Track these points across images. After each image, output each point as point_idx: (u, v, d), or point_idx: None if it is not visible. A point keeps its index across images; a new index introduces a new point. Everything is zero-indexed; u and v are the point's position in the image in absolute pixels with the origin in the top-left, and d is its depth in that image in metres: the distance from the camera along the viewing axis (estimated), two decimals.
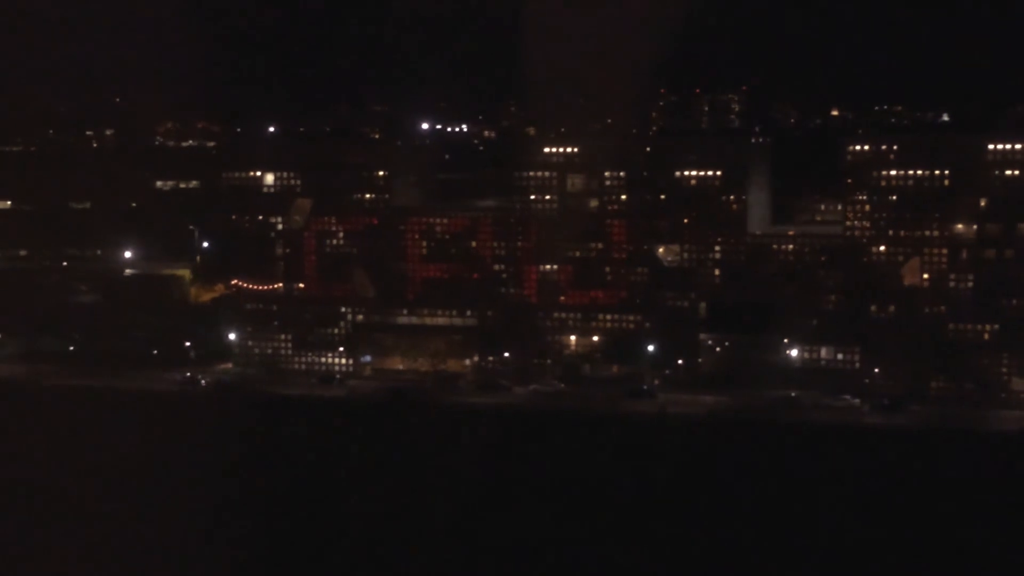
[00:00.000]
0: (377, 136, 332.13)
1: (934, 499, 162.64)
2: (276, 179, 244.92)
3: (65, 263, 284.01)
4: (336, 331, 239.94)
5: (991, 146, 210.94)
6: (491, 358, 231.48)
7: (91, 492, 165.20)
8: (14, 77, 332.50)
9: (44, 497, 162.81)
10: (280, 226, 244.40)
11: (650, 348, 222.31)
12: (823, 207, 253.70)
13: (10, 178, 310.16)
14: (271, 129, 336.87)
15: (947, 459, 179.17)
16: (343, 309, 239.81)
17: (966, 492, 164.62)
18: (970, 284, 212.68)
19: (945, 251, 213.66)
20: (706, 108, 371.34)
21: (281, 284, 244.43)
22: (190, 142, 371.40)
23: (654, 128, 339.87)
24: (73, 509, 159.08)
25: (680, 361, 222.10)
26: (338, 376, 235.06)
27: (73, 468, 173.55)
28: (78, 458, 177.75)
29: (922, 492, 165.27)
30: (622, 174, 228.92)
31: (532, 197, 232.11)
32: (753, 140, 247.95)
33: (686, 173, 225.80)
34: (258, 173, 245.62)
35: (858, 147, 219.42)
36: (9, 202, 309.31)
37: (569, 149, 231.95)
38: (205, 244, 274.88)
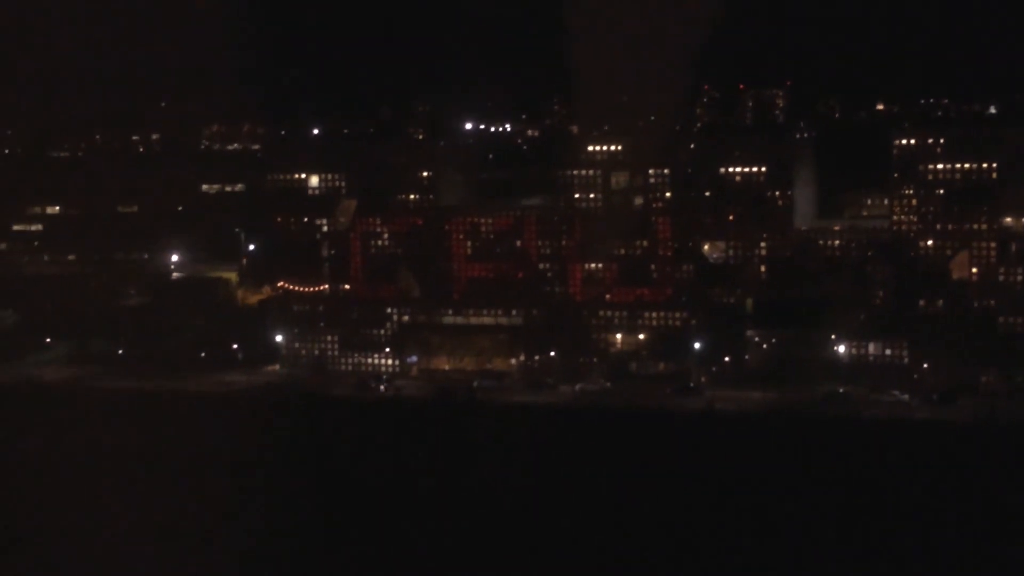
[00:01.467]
0: (421, 136, 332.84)
1: (987, 493, 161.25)
2: (321, 181, 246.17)
3: (113, 266, 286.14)
4: (382, 331, 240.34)
5: None
6: (537, 357, 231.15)
7: (140, 493, 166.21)
8: (61, 82, 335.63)
9: (93, 498, 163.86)
10: (325, 227, 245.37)
11: (697, 345, 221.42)
12: (869, 201, 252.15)
13: (58, 183, 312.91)
14: (315, 131, 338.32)
15: (999, 453, 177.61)
16: (389, 310, 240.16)
17: (1019, 486, 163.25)
18: (1020, 277, 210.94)
19: (994, 244, 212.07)
20: (750, 104, 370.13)
21: (327, 285, 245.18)
22: (235, 145, 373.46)
23: (698, 124, 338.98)
24: (122, 510, 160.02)
25: (727, 358, 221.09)
26: (385, 376, 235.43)
27: (122, 469, 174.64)
28: (127, 460, 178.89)
29: (975, 486, 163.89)
30: (666, 171, 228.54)
31: (576, 195, 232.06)
32: (798, 135, 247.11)
33: (731, 169, 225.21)
34: (303, 175, 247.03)
35: (904, 141, 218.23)
36: (57, 207, 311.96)
37: (613, 147, 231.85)
38: (251, 246, 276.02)
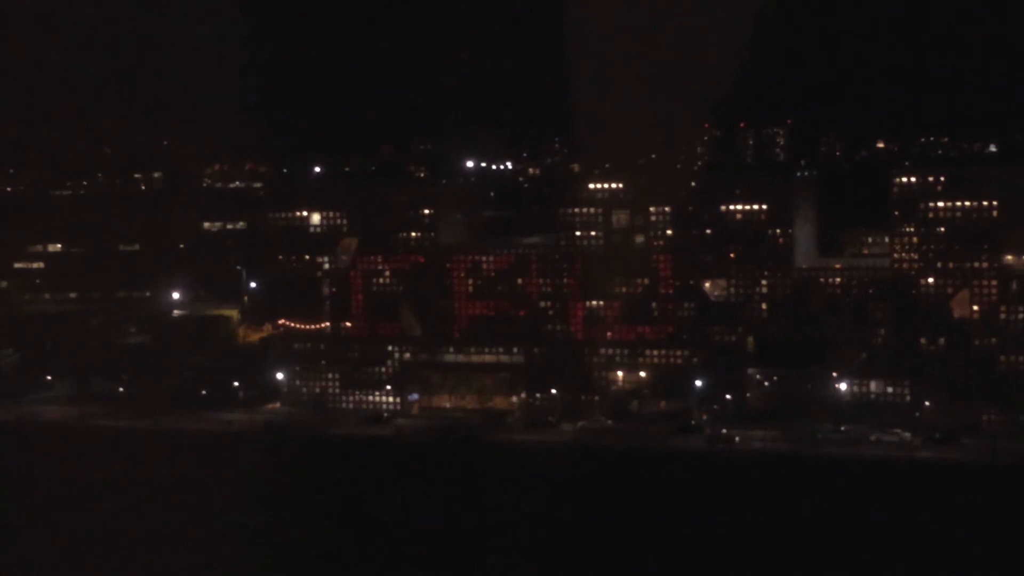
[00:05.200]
0: (422, 175, 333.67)
1: (988, 534, 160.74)
2: (322, 219, 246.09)
3: (114, 305, 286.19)
4: (383, 370, 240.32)
5: None
6: (538, 395, 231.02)
7: (140, 532, 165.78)
8: (63, 121, 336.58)
9: (93, 537, 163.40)
10: (327, 265, 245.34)
11: (698, 383, 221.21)
12: (870, 240, 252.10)
13: (60, 221, 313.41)
14: (317, 169, 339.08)
15: (1001, 493, 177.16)
16: (390, 347, 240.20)
17: (1021, 526, 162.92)
18: (1021, 316, 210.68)
19: (995, 283, 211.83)
20: (751, 142, 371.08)
21: (328, 323, 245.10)
22: (237, 183, 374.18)
23: (699, 163, 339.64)
24: (122, 549, 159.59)
25: (728, 396, 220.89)
26: (386, 415, 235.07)
27: (122, 509, 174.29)
28: (127, 499, 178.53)
29: (977, 527, 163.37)
30: (667, 209, 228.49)
31: (578, 233, 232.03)
32: (798, 174, 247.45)
33: (732, 207, 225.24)
34: (304, 213, 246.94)
35: (905, 179, 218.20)
36: (59, 245, 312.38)
37: (614, 185, 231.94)
38: (252, 284, 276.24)
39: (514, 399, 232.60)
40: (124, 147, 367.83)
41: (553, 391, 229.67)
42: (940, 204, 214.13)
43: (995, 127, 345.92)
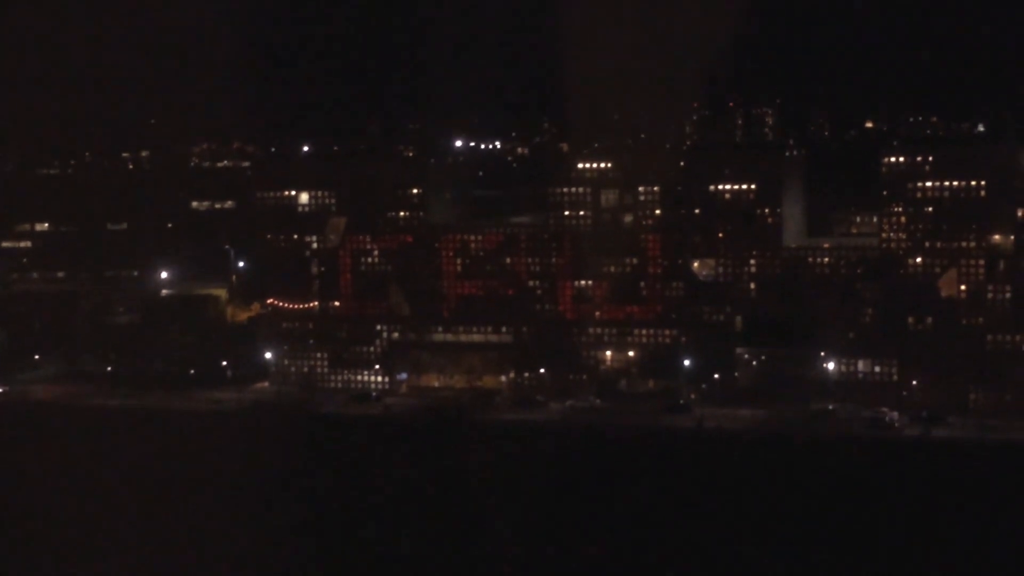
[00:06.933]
0: (411, 154, 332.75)
1: (975, 512, 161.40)
2: (311, 198, 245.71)
3: (103, 284, 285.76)
4: (372, 349, 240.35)
5: None
6: (527, 374, 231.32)
7: (130, 511, 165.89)
8: (50, 100, 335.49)
9: (82, 516, 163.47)
10: (315, 245, 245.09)
11: (686, 362, 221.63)
12: (858, 219, 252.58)
13: (48, 200, 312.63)
14: (305, 148, 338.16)
15: (987, 471, 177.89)
16: (378, 327, 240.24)
17: (1007, 505, 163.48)
18: (1008, 295, 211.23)
19: (982, 262, 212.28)
20: (740, 122, 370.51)
21: (316, 303, 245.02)
22: (225, 163, 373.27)
23: (688, 142, 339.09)
24: (111, 528, 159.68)
25: (716, 375, 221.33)
26: (374, 394, 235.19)
27: (111, 488, 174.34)
28: (115, 478, 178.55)
29: (962, 505, 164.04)
30: (656, 189, 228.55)
31: (566, 213, 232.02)
32: (787, 153, 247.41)
33: (720, 187, 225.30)
34: (293, 192, 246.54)
35: (893, 159, 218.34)
36: (47, 224, 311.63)
37: (603, 164, 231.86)
38: (241, 264, 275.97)
39: (503, 378, 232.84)
40: (111, 126, 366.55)
41: (542, 370, 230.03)
42: (928, 184, 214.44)
43: (984, 107, 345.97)
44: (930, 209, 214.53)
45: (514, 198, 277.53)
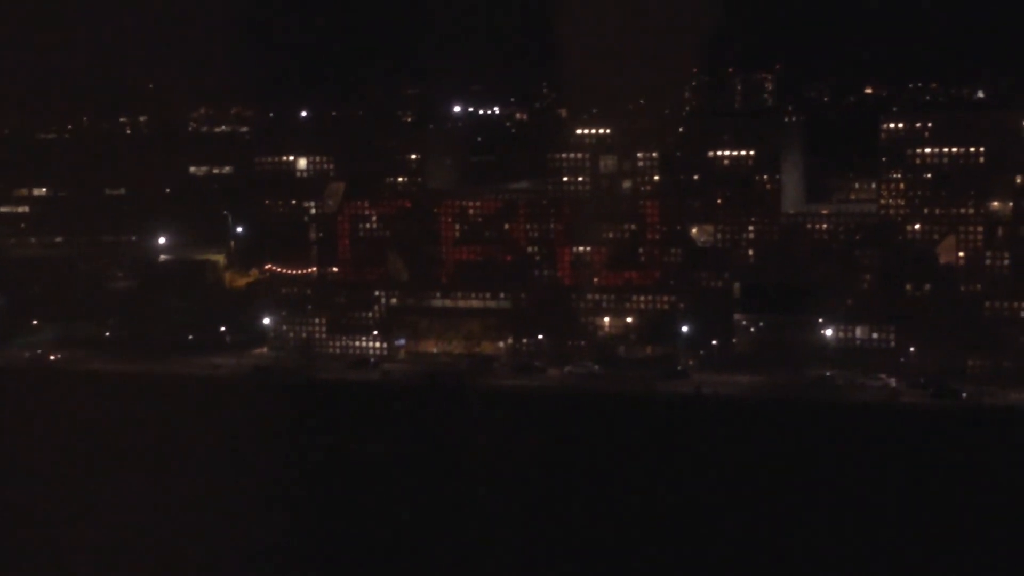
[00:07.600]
0: (410, 119, 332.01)
1: (973, 477, 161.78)
2: (309, 163, 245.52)
3: (101, 249, 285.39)
4: (370, 315, 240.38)
5: None
6: (525, 340, 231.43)
7: (126, 477, 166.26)
8: (49, 64, 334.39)
9: (79, 482, 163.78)
10: (314, 210, 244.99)
11: (684, 329, 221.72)
12: (857, 185, 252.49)
13: (46, 165, 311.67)
14: (304, 114, 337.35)
15: (985, 437, 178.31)
16: (377, 293, 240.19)
17: (1005, 470, 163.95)
18: (1006, 261, 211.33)
19: (981, 229, 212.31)
20: (739, 87, 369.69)
21: (315, 268, 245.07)
22: (224, 127, 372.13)
23: (687, 108, 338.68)
24: (108, 495, 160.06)
25: (715, 341, 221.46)
26: (372, 360, 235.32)
27: (106, 453, 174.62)
28: (112, 443, 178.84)
29: (961, 470, 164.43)
30: (655, 155, 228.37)
31: (565, 179, 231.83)
32: (786, 119, 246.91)
33: (720, 153, 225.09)
34: (291, 158, 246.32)
35: (893, 125, 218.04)
36: (45, 189, 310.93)
37: (602, 130, 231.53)
38: (239, 229, 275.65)
39: (501, 344, 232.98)
40: (110, 90, 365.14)
41: (540, 336, 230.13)
42: (927, 150, 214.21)
43: (984, 73, 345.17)
44: (929, 175, 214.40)
45: (513, 164, 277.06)
